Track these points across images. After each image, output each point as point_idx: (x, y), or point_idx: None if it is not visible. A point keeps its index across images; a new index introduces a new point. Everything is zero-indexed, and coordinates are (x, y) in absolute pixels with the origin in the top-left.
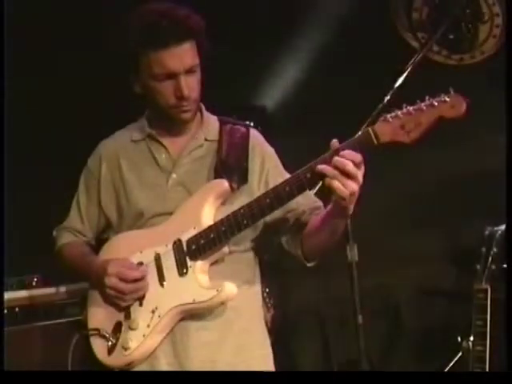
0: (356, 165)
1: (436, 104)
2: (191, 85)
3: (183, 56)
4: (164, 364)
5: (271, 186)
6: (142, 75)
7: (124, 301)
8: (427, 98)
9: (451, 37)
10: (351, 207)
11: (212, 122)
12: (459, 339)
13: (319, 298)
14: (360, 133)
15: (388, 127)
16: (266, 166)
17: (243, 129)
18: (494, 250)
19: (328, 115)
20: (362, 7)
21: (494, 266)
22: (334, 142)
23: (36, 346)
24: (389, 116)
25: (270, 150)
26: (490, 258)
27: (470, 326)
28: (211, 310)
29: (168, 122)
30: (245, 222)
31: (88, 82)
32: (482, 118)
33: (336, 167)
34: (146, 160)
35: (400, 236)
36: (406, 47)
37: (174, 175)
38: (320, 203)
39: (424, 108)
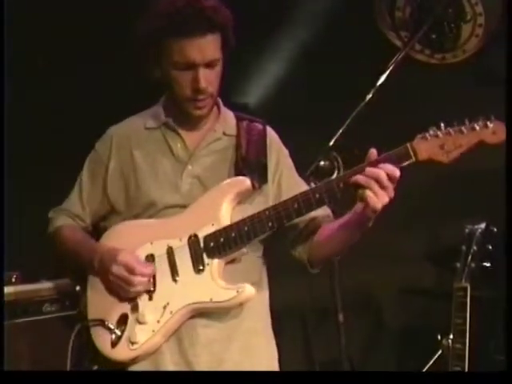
0: (390, 178)
1: (477, 128)
2: (209, 78)
3: (205, 48)
4: (169, 360)
5: (284, 187)
6: (163, 62)
7: (128, 292)
8: (467, 120)
9: (434, 36)
10: (372, 220)
11: (229, 116)
12: (439, 337)
13: (301, 296)
14: (398, 148)
15: (427, 145)
16: (280, 167)
17: (260, 126)
18: (474, 248)
19: (310, 113)
20: (346, 6)
21: (473, 265)
22: (372, 153)
23: (17, 342)
24: (427, 134)
25: (285, 150)
26: (470, 257)
27: (449, 324)
28: (226, 310)
29: (185, 114)
30: (270, 224)
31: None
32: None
33: (371, 177)
34: (160, 149)
35: (381, 235)
36: (389, 46)
37: (189, 167)
38: (329, 211)
39: (464, 131)
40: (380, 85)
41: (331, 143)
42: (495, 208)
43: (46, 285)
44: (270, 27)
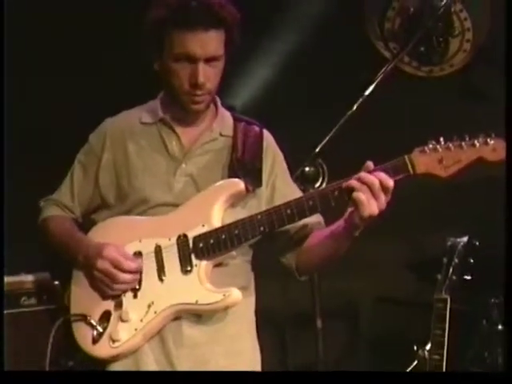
0: (383, 187)
1: (477, 145)
2: (208, 74)
3: (207, 43)
4: (151, 360)
5: (277, 192)
6: (163, 54)
7: (112, 289)
8: (467, 136)
9: (422, 49)
10: (359, 230)
11: (226, 117)
12: (415, 348)
13: (279, 301)
14: (395, 160)
15: (425, 158)
16: (275, 171)
17: (257, 128)
18: (456, 260)
19: (296, 119)
20: (336, 12)
21: (454, 277)
22: (369, 164)
23: None
24: (426, 148)
25: (281, 155)
26: (451, 269)
27: (425, 334)
28: (211, 313)
29: (182, 109)
30: (261, 228)
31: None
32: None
33: (363, 182)
34: (155, 145)
35: (363, 243)
36: (377, 56)
37: (183, 165)
38: (321, 218)
39: (464, 146)
40: (368, 94)
41: (317, 150)
42: (477, 221)
43: (24, 278)
44: (259, 30)
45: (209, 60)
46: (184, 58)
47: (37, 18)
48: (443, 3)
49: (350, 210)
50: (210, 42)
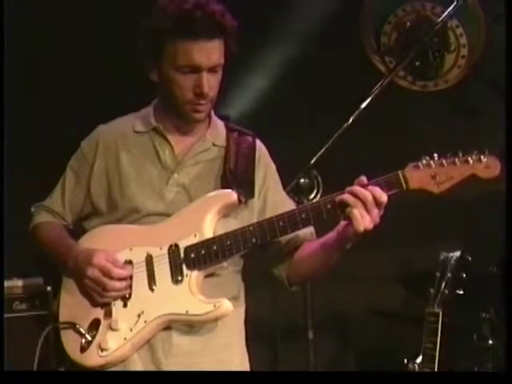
0: (377, 203)
1: (471, 162)
2: (211, 83)
3: (211, 52)
4: (140, 369)
5: (269, 202)
6: (163, 64)
7: (102, 297)
8: (460, 152)
9: (417, 63)
10: (352, 243)
11: (219, 126)
12: (405, 361)
13: (269, 311)
14: (389, 175)
15: (418, 174)
16: (267, 182)
17: (250, 138)
18: (448, 275)
19: (290, 129)
20: (333, 25)
21: (447, 291)
22: (362, 179)
23: None
24: (420, 163)
25: (273, 165)
26: (444, 283)
27: (416, 348)
28: (201, 323)
29: (177, 118)
30: (253, 240)
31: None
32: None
33: (356, 196)
34: (147, 154)
35: (356, 255)
36: (372, 69)
37: (175, 175)
38: (312, 229)
39: (457, 163)
40: (363, 108)
41: (312, 161)
42: (471, 236)
43: (17, 283)
44: (255, 41)
45: (211, 69)
46: (187, 68)
47: (27, 22)
48: (440, 19)
49: (342, 223)
50: (213, 52)
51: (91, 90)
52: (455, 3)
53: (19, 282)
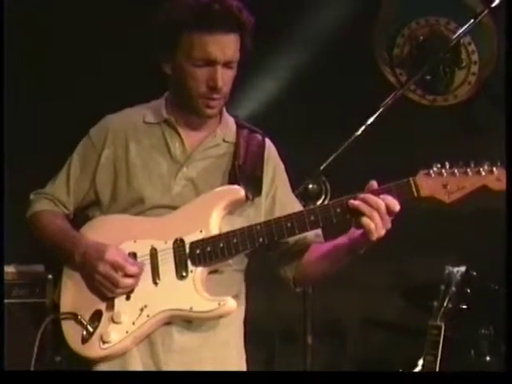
0: (389, 211)
1: (483, 173)
2: (226, 78)
3: (227, 46)
4: (138, 363)
5: (278, 203)
6: (178, 56)
7: (112, 292)
8: (472, 163)
9: (428, 77)
10: (363, 249)
11: (230, 122)
12: (400, 371)
13: (268, 313)
14: (400, 181)
15: (430, 182)
16: (276, 182)
17: (259, 137)
18: (453, 289)
19: (298, 132)
20: (345, 34)
21: (450, 305)
22: (373, 183)
23: None
24: (431, 171)
25: (282, 165)
26: (448, 297)
27: (413, 359)
28: (204, 320)
29: (189, 112)
30: (260, 239)
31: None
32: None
33: (370, 205)
34: (157, 146)
35: (360, 265)
36: (382, 80)
37: (184, 169)
38: (320, 230)
39: (469, 173)
40: (374, 118)
41: (322, 168)
42: (476, 252)
43: (17, 268)
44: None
45: (226, 64)
46: (202, 62)
47: (37, 15)
48: (456, 35)
49: (354, 230)
50: (229, 46)
51: (96, 81)
52: (472, 21)
53: (19, 268)
